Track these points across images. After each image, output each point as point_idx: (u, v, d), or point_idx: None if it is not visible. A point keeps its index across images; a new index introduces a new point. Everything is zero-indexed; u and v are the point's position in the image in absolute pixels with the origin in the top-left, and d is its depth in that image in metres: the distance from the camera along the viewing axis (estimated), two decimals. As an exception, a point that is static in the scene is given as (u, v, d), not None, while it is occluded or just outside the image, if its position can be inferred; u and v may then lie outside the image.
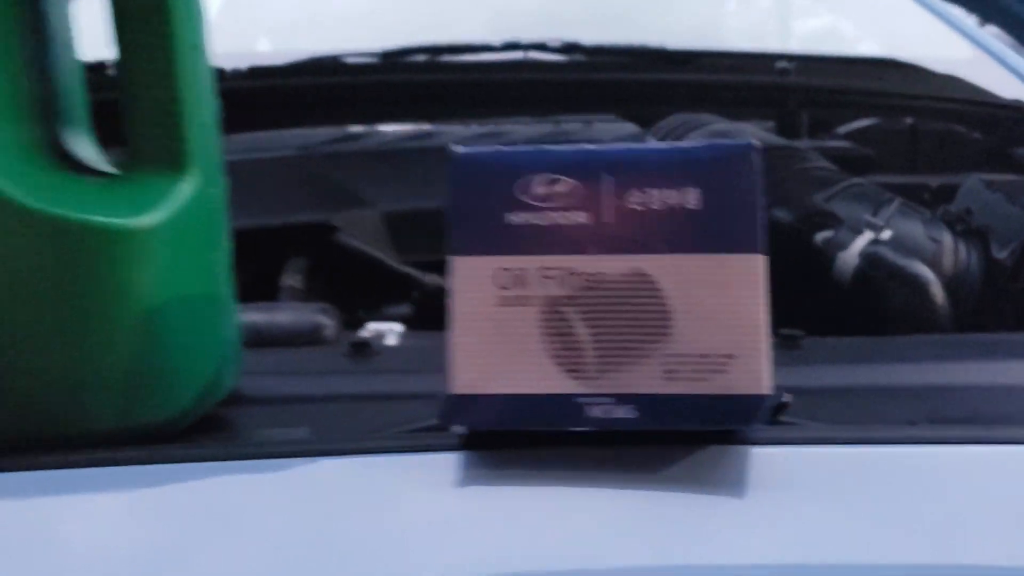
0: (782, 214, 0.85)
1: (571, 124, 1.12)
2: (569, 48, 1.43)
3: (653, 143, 0.35)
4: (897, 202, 0.86)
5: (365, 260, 0.79)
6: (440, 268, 0.78)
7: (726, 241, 0.34)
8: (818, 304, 0.77)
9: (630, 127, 1.11)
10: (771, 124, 1.32)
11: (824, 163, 0.95)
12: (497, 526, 0.33)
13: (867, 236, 0.77)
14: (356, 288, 0.77)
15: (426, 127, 1.06)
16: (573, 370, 0.34)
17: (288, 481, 0.37)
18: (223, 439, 0.42)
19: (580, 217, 0.34)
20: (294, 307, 0.69)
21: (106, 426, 0.38)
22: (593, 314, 0.34)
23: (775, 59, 1.45)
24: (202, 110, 0.41)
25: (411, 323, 0.68)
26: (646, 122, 1.24)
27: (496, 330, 0.34)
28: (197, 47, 0.41)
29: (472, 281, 0.34)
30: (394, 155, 0.95)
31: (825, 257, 0.78)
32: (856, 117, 1.35)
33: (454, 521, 0.33)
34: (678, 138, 1.07)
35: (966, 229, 0.85)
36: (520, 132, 1.06)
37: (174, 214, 0.39)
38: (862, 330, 0.73)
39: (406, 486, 0.35)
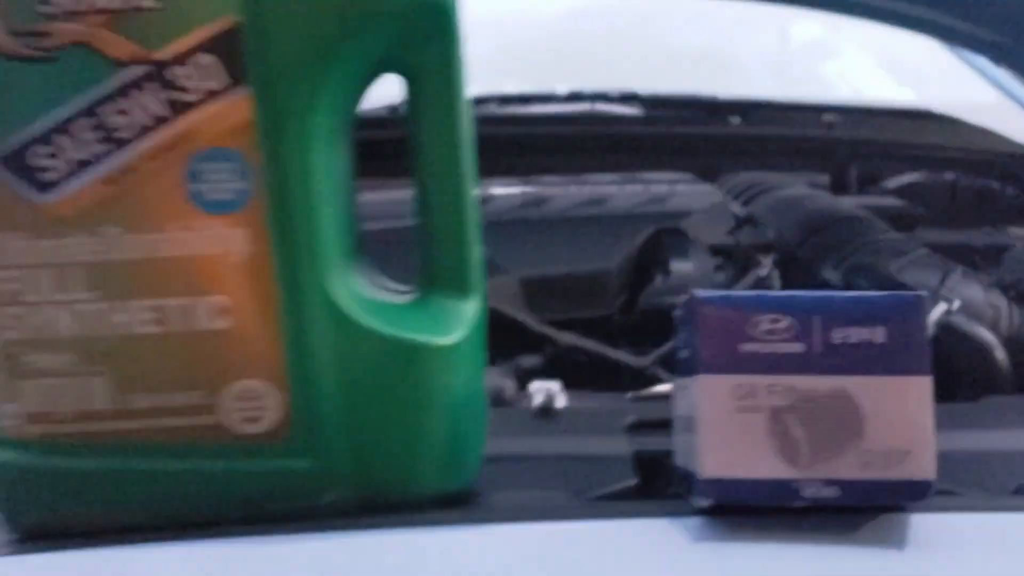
0: (864, 284, 0.96)
1: (658, 186, 1.23)
2: (628, 98, 1.55)
3: (849, 293, 0.46)
4: (960, 270, 0.98)
5: (505, 319, 0.91)
6: (565, 326, 0.90)
7: (904, 366, 0.47)
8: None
9: (707, 188, 1.23)
10: (825, 178, 1.44)
11: (888, 230, 1.07)
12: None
13: (942, 307, 0.89)
14: (501, 346, 0.89)
15: (533, 190, 1.18)
16: (791, 461, 0.46)
17: (549, 545, 0.49)
18: (474, 501, 0.54)
19: (796, 347, 0.47)
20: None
21: (427, 492, 0.50)
22: (807, 419, 0.46)
23: (821, 111, 1.56)
24: (476, 235, 0.52)
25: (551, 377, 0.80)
26: (705, 174, 1.36)
27: (733, 430, 0.47)
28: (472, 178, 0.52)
29: (716, 393, 0.47)
30: (512, 223, 1.07)
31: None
32: (899, 170, 1.48)
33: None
34: (749, 200, 1.20)
35: (1018, 295, 0.97)
36: (616, 195, 1.18)
37: (467, 332, 0.51)
38: (939, 393, 0.85)
39: (660, 547, 0.47)
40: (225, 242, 0.46)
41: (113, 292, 0.46)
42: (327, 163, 0.48)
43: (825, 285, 1.00)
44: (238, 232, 0.46)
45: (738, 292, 0.51)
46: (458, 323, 0.51)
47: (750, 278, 0.91)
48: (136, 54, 0.45)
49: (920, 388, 0.47)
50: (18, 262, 0.46)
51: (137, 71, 0.45)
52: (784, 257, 1.07)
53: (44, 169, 0.45)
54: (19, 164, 0.45)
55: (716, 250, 0.97)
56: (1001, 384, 0.86)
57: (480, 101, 1.42)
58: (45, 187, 0.46)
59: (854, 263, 0.99)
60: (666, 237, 0.99)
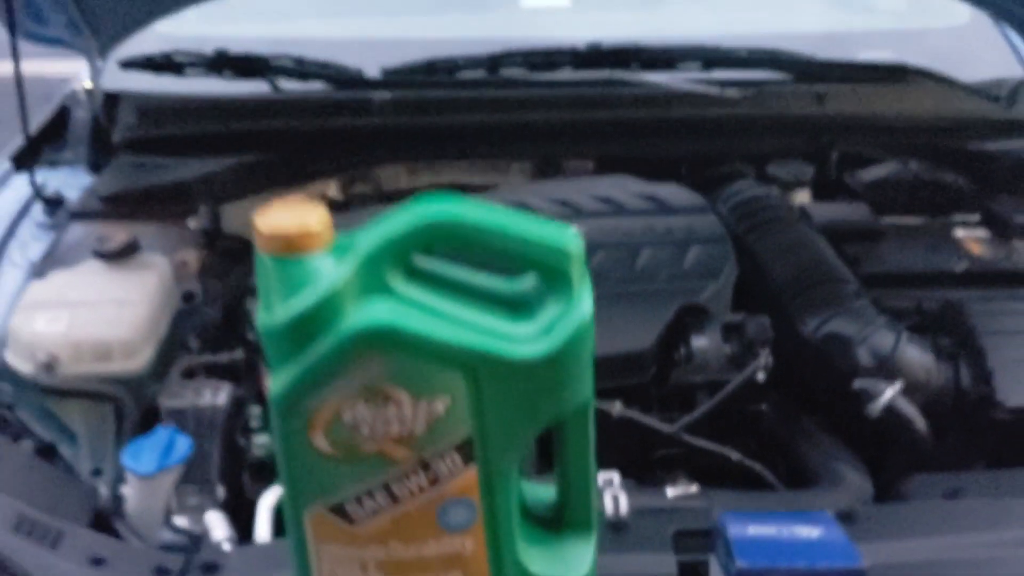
0: (835, 350, 1.27)
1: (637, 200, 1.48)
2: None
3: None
4: (906, 335, 1.29)
5: None
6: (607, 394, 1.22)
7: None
8: (852, 442, 1.23)
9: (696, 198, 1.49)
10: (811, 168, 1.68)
11: (860, 292, 1.36)
12: None
13: (890, 392, 1.21)
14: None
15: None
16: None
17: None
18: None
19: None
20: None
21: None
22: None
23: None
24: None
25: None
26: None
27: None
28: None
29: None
30: None
31: (859, 401, 1.23)
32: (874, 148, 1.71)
33: None
34: (749, 229, 1.46)
35: (948, 351, 1.28)
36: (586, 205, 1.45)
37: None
38: (878, 465, 1.19)
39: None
40: (461, 545, 0.78)
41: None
42: (514, 487, 0.79)
43: (804, 343, 1.31)
44: (468, 539, 0.78)
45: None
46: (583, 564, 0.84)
47: (749, 371, 1.21)
48: (411, 457, 0.74)
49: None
50: (339, 559, 0.78)
51: (412, 464, 0.75)
52: (774, 307, 1.37)
53: (355, 514, 0.76)
54: (342, 512, 0.76)
55: (728, 328, 1.26)
56: (924, 455, 1.21)
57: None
58: (354, 521, 0.76)
59: (829, 332, 1.30)
60: (687, 316, 1.28)
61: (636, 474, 1.22)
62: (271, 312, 0.71)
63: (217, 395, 1.29)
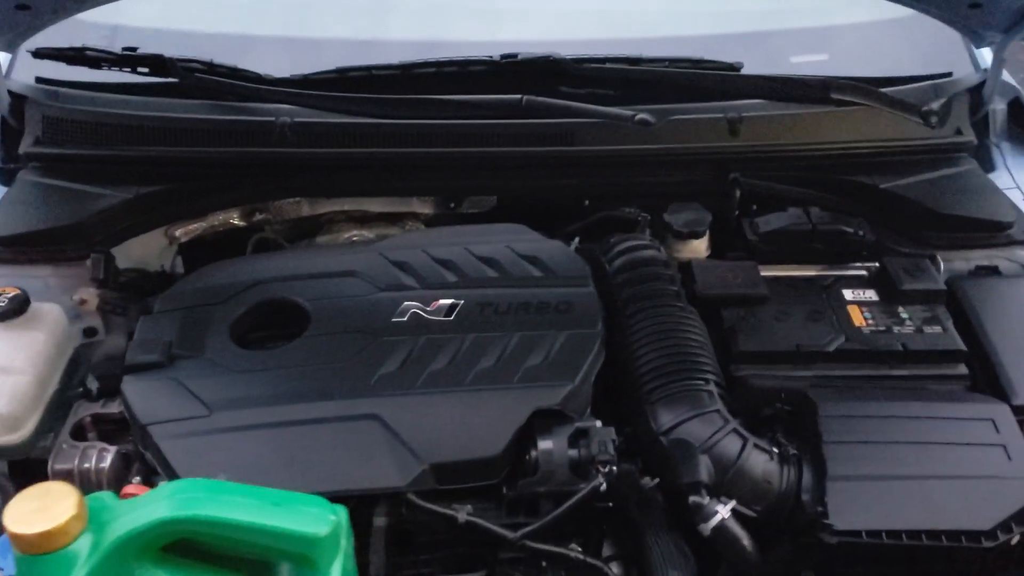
0: (680, 458, 1.30)
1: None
2: None
3: None
4: (752, 442, 1.32)
5: None
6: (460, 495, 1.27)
7: None
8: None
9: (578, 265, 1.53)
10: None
11: (715, 391, 1.38)
12: None
13: (720, 514, 1.26)
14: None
15: None
16: None
17: None
18: None
19: None
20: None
21: None
22: None
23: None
24: None
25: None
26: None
27: None
28: None
29: None
30: None
31: (693, 518, 1.28)
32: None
33: None
34: (631, 299, 1.48)
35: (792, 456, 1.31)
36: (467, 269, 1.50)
37: None
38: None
39: None
40: None
41: None
42: None
43: (660, 447, 1.35)
44: None
45: None
46: None
47: (586, 491, 1.25)
48: None
49: None
50: None
51: None
52: (637, 394, 1.40)
53: None
54: None
55: (575, 435, 1.29)
56: (750, 570, 1.27)
57: None
58: None
59: (677, 438, 1.33)
60: (540, 419, 1.30)
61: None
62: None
63: (103, 458, 1.35)
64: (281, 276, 1.53)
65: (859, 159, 1.76)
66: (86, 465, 1.35)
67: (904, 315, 1.54)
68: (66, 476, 1.35)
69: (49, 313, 1.55)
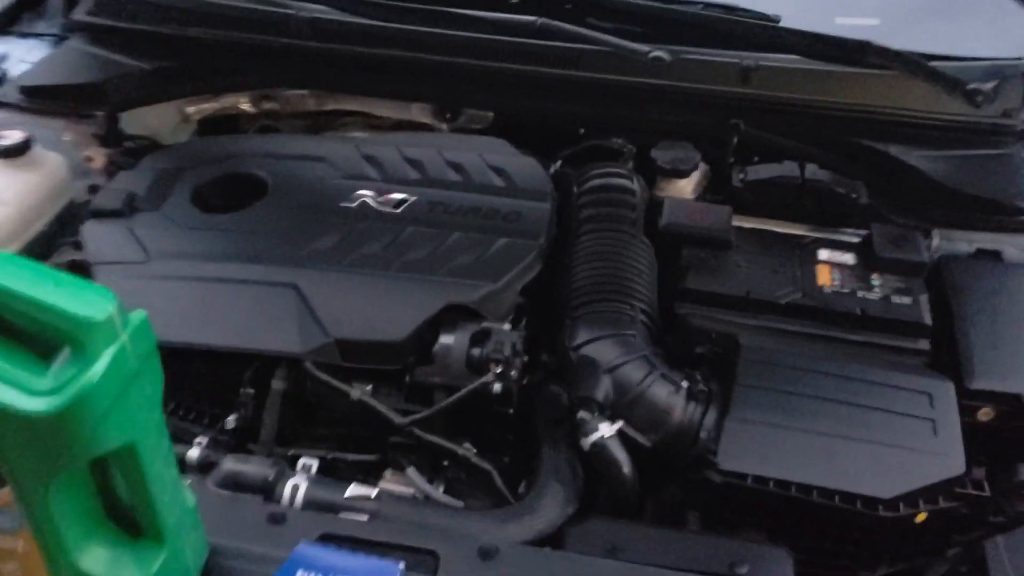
0: (584, 374, 1.28)
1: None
2: None
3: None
4: (660, 372, 1.28)
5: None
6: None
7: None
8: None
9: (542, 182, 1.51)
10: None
11: (641, 319, 1.34)
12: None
13: (602, 431, 1.22)
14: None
15: None
16: None
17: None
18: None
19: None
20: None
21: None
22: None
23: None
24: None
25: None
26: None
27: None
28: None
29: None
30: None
31: (576, 432, 1.25)
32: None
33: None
34: (588, 220, 1.45)
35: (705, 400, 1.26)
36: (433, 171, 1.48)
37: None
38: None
39: None
40: (14, 543, 0.90)
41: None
42: (60, 503, 0.89)
43: (569, 362, 1.33)
44: (19, 540, 0.90)
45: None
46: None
47: (475, 384, 1.24)
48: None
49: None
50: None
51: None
52: (565, 312, 1.38)
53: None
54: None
55: (476, 335, 1.28)
56: (627, 499, 1.23)
57: None
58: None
59: (585, 354, 1.31)
60: (452, 314, 1.30)
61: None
62: None
63: None
64: (258, 153, 1.57)
65: (878, 125, 1.66)
66: None
67: (876, 282, 1.45)
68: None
69: (50, 159, 1.64)
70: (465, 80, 1.71)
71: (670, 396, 1.27)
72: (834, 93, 1.68)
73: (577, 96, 1.71)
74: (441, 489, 1.29)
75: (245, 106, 1.82)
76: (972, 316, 1.41)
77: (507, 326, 1.30)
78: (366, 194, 1.47)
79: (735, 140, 1.65)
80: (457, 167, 1.53)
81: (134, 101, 1.77)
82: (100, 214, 1.46)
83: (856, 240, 1.54)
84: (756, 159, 1.68)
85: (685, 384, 1.28)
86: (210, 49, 1.78)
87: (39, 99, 1.75)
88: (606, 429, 1.22)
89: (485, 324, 1.29)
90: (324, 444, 1.33)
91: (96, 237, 1.41)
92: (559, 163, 1.65)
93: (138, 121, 1.77)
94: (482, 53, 1.69)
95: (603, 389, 1.26)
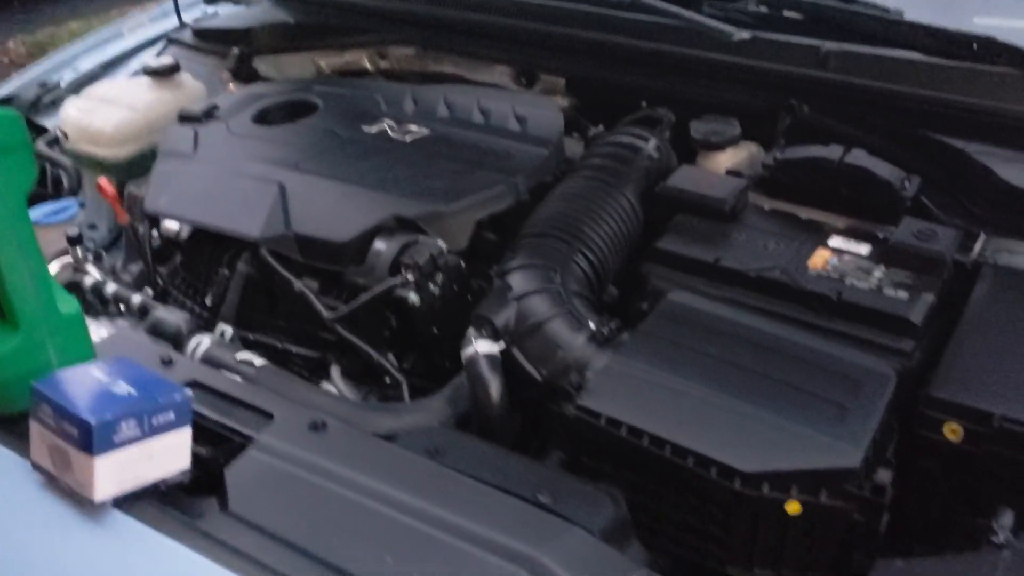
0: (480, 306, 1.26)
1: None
2: None
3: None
4: (565, 310, 1.23)
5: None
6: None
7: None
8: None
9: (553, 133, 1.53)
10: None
11: (578, 257, 1.30)
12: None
13: (477, 347, 1.20)
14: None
15: None
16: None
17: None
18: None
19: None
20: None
21: None
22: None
23: None
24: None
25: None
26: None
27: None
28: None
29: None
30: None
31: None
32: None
33: None
34: (582, 168, 1.45)
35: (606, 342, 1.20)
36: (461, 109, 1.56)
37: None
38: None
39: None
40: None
41: None
42: None
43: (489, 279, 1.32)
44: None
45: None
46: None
47: (382, 287, 1.27)
48: None
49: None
50: None
51: None
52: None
53: None
54: None
55: (405, 245, 1.30)
56: (493, 421, 1.19)
57: None
58: None
59: (502, 280, 1.29)
60: (394, 225, 1.34)
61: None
62: None
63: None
64: (330, 91, 1.73)
65: (957, 120, 1.46)
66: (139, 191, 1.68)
67: (877, 274, 1.27)
68: (132, 199, 1.69)
69: (190, 86, 1.92)
70: (539, 45, 1.75)
71: (569, 334, 1.21)
72: (923, 84, 1.50)
73: (644, 68, 1.68)
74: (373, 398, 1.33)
75: (366, 63, 2.00)
76: (978, 326, 1.19)
77: (442, 243, 1.31)
78: (389, 123, 1.57)
79: (788, 121, 1.53)
80: (485, 112, 1.57)
81: (275, 47, 2.01)
82: (183, 118, 1.68)
83: (886, 236, 1.35)
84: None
85: (592, 327, 1.22)
86: (338, 9, 1.99)
87: (204, 40, 2.05)
88: (484, 346, 1.20)
89: (420, 237, 1.32)
90: (282, 336, 1.42)
91: (169, 135, 1.64)
92: (600, 127, 1.63)
93: (276, 67, 2.01)
94: (555, 19, 1.73)
95: (505, 314, 1.23)
